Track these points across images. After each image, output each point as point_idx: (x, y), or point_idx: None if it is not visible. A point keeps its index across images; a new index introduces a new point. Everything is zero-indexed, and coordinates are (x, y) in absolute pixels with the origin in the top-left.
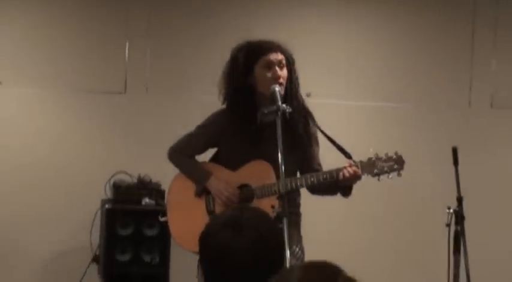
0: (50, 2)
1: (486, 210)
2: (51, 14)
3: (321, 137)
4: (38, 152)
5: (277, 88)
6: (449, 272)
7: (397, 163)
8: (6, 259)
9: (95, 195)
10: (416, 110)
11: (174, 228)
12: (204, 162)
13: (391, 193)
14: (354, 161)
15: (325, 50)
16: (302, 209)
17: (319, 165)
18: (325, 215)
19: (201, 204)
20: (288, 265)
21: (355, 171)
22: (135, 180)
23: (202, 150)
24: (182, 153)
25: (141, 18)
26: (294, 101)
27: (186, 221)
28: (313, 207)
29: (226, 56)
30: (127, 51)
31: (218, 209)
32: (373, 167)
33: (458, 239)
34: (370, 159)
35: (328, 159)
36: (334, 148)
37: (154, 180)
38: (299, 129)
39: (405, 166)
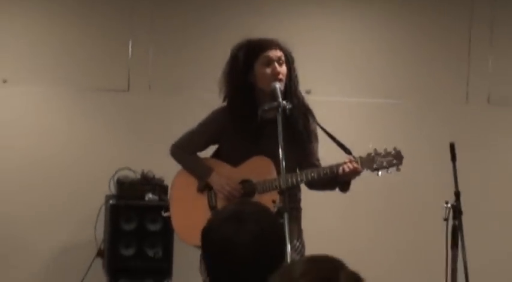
0: (54, 1)
1: (483, 204)
2: (55, 13)
3: (320, 134)
4: (43, 149)
5: (277, 85)
6: (447, 266)
7: (395, 158)
8: (15, 253)
9: (99, 191)
10: (414, 106)
11: (177, 223)
12: (206, 159)
13: (390, 188)
14: (353, 157)
15: (325, 48)
16: (302, 204)
17: (318, 160)
18: (324, 210)
19: (203, 200)
20: (289, 259)
21: (355, 167)
22: (139, 176)
23: (204, 147)
24: (184, 150)
25: (144, 17)
26: (294, 98)
27: (189, 216)
28: (313, 202)
29: (229, 54)
30: (130, 49)
31: (220, 204)
32: (373, 162)
33: (456, 233)
34: (369, 154)
35: (328, 155)
36: (333, 144)
37: (157, 176)
38: (299, 125)
39: (404, 161)
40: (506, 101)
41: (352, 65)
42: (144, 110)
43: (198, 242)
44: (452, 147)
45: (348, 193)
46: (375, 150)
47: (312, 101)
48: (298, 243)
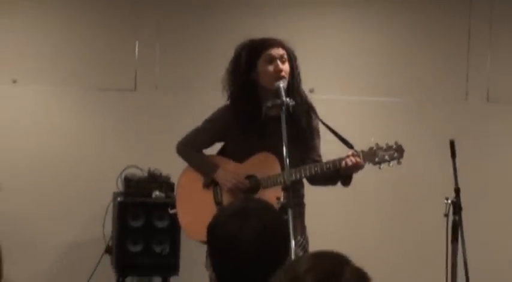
0: (62, 1)
1: (483, 200)
2: (64, 15)
3: (322, 130)
4: (52, 148)
5: (281, 84)
6: (447, 261)
7: (397, 151)
8: (25, 250)
9: (107, 189)
10: (414, 104)
11: (184, 220)
12: (211, 156)
13: (391, 185)
14: (355, 151)
15: (325, 48)
16: (305, 200)
17: (320, 156)
18: (326, 206)
19: (209, 196)
20: (292, 255)
21: (357, 160)
22: (146, 174)
23: (209, 144)
24: (190, 147)
25: (150, 17)
26: (297, 95)
27: (195, 212)
28: (315, 199)
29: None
30: (137, 49)
31: (226, 200)
32: (374, 155)
33: (456, 229)
34: (371, 148)
35: (329, 152)
36: (335, 141)
37: (164, 173)
38: (302, 122)
39: (405, 159)
40: (505, 98)
41: (353, 64)
42: (151, 109)
43: (205, 237)
44: (452, 144)
45: (350, 189)
46: (377, 144)
47: (315, 99)
48: (301, 239)
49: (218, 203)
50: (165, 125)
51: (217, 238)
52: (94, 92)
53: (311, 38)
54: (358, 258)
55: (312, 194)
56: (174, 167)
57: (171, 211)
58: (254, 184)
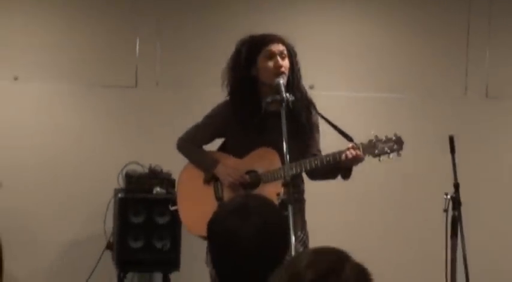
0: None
1: (482, 196)
2: (65, 12)
3: (322, 125)
4: (53, 145)
5: (281, 81)
6: (446, 256)
7: (396, 143)
8: (27, 247)
9: (108, 185)
10: (414, 100)
11: (185, 216)
12: (212, 151)
13: (390, 180)
14: (355, 143)
15: (326, 43)
16: (306, 196)
17: (319, 151)
18: (325, 202)
19: (209, 191)
20: (293, 250)
21: (357, 153)
22: (147, 170)
23: (210, 140)
24: (190, 143)
25: (151, 14)
26: (297, 91)
27: (196, 208)
28: (314, 194)
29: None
30: (138, 46)
31: (226, 195)
32: (374, 148)
33: (455, 224)
34: (370, 141)
35: (329, 147)
36: (334, 136)
37: (165, 170)
38: (302, 118)
39: (404, 154)
40: (504, 93)
41: (353, 60)
42: (152, 106)
43: (205, 233)
44: (451, 140)
45: (349, 183)
46: (376, 136)
47: (315, 95)
48: (302, 235)
49: (219, 198)
50: (166, 122)
51: (217, 234)
52: (95, 88)
53: (311, 34)
54: (358, 254)
55: (313, 190)
56: (175, 163)
57: (172, 208)
58: (254, 179)
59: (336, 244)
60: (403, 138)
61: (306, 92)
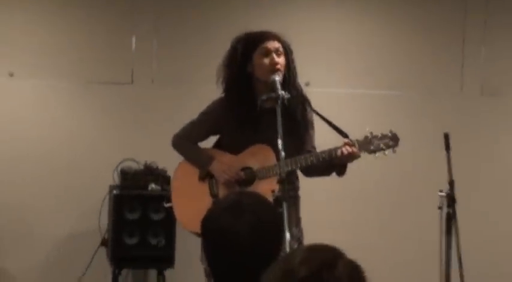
0: None
1: (477, 193)
2: (61, 8)
3: (317, 122)
4: (49, 141)
5: (277, 78)
6: (441, 252)
7: (392, 140)
8: (21, 242)
9: (103, 182)
10: (410, 97)
11: (180, 212)
12: (207, 148)
13: (386, 177)
14: (350, 140)
15: (322, 40)
16: (301, 193)
17: (314, 148)
18: (320, 199)
19: (204, 188)
20: (287, 247)
21: (353, 150)
22: (142, 167)
23: (205, 136)
24: (185, 140)
25: (147, 11)
26: (292, 89)
27: (191, 205)
28: (309, 191)
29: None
30: (134, 43)
31: (221, 192)
32: (370, 144)
33: (450, 221)
34: (366, 137)
35: (324, 144)
36: (329, 134)
37: (160, 166)
38: (297, 115)
39: (399, 151)
40: (499, 91)
41: (350, 57)
42: (148, 102)
43: (200, 230)
44: (446, 137)
45: (345, 180)
46: (371, 133)
47: (311, 92)
48: (296, 231)
49: (214, 195)
50: (161, 118)
51: (211, 231)
52: (91, 85)
53: (308, 31)
54: (352, 250)
55: (308, 187)
56: (171, 160)
57: (166, 205)
58: (250, 176)
59: (331, 241)
60: (399, 135)
61: (301, 89)
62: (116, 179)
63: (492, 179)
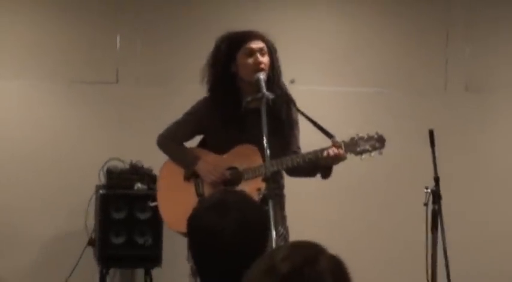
0: None
1: (462, 189)
2: (45, 8)
3: (303, 122)
4: (34, 141)
5: (261, 76)
6: (427, 249)
7: (378, 141)
8: (8, 243)
9: (89, 181)
10: (395, 94)
11: (165, 212)
12: (192, 148)
13: (371, 174)
14: (336, 141)
15: (308, 37)
16: (287, 191)
17: (299, 148)
18: (305, 197)
19: (190, 188)
20: (273, 245)
21: (339, 152)
22: (128, 166)
23: (190, 136)
24: (170, 140)
25: (131, 11)
26: (277, 88)
27: (177, 204)
28: (295, 189)
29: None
30: (118, 42)
31: (207, 192)
32: (356, 145)
33: (436, 218)
34: (352, 138)
35: (310, 144)
36: (315, 134)
37: (146, 166)
38: (282, 115)
39: (385, 148)
40: (484, 87)
41: (335, 55)
42: (133, 102)
43: (186, 229)
44: (431, 133)
45: (330, 178)
46: (357, 134)
47: (296, 90)
48: (282, 230)
49: (200, 194)
50: (147, 118)
51: (196, 230)
52: (76, 85)
53: (293, 28)
54: (338, 247)
55: (294, 185)
56: (156, 159)
57: (152, 204)
58: (235, 176)
59: (317, 239)
60: (385, 136)
61: (286, 89)
62: (102, 179)
63: (477, 175)
